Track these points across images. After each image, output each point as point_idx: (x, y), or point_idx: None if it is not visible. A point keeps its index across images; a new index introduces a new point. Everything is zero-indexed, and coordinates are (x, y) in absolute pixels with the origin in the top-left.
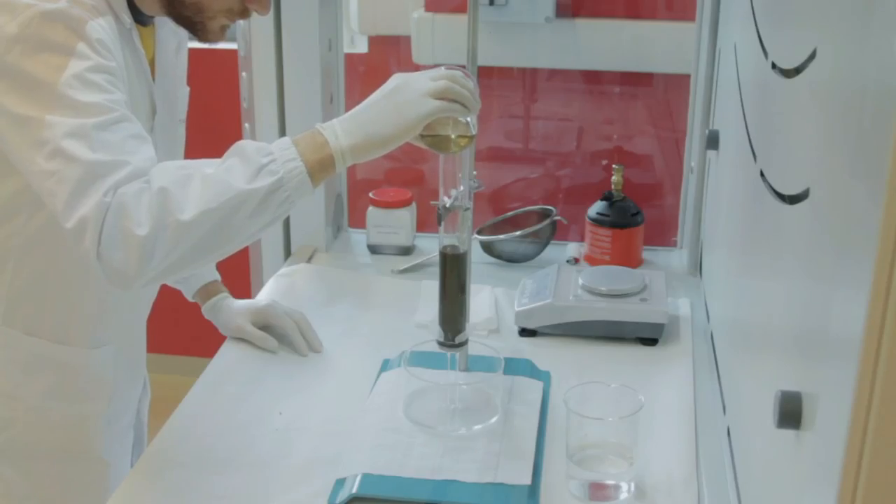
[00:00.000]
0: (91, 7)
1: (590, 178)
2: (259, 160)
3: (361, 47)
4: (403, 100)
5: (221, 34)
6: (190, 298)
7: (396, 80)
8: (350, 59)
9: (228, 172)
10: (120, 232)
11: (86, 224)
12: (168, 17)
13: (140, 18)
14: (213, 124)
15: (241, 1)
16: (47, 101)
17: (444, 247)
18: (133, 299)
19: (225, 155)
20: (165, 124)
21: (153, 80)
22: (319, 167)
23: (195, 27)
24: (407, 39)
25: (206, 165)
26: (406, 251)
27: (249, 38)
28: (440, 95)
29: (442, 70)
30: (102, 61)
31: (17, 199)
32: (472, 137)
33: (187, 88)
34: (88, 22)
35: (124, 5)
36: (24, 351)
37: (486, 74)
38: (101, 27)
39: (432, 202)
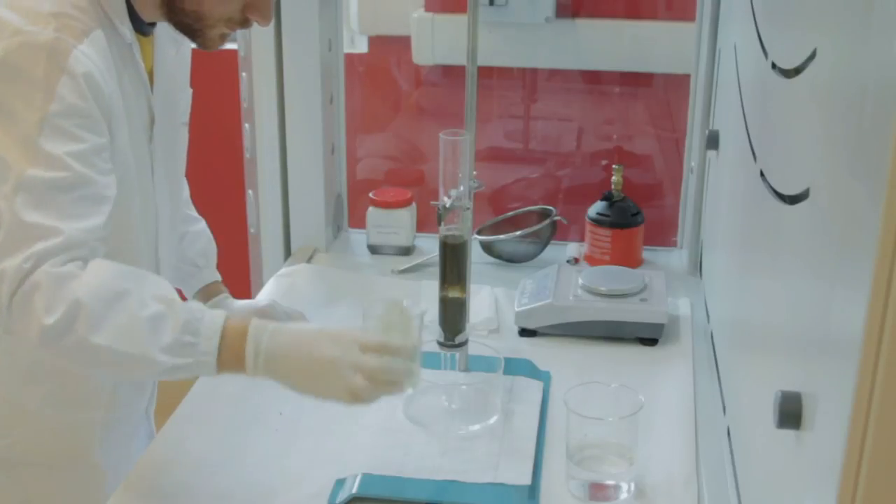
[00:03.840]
0: (84, 25)
1: (590, 178)
2: (183, 337)
3: (361, 47)
4: (330, 375)
5: (221, 42)
6: (190, 298)
7: (333, 347)
8: (350, 59)
9: (152, 327)
10: (28, 308)
11: (2, 276)
12: (168, 23)
13: (141, 28)
14: (213, 124)
15: (241, 11)
16: (12, 140)
17: (445, 236)
18: None
19: (158, 292)
20: (165, 131)
21: (151, 90)
22: (228, 369)
23: (195, 34)
24: (407, 39)
25: (136, 291)
26: (406, 251)
27: (249, 39)
28: (357, 395)
29: (376, 342)
30: (79, 103)
31: None
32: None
33: (190, 91)
34: (73, 52)
35: (125, 17)
36: (25, 358)
37: (486, 74)
38: (88, 57)
39: (432, 202)
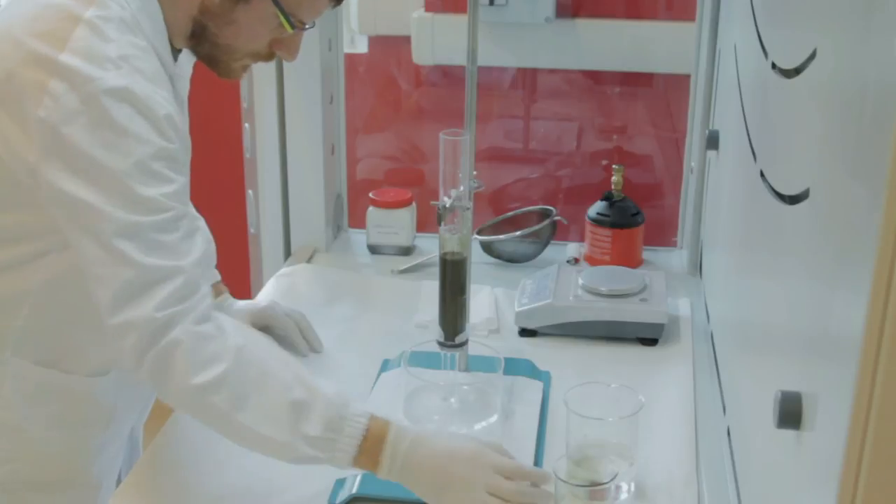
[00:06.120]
0: (148, 64)
1: (590, 178)
2: (326, 434)
3: (361, 47)
4: (464, 495)
5: (242, 73)
6: None
7: (466, 467)
8: (350, 59)
9: (297, 415)
10: (169, 367)
11: (130, 329)
12: (191, 52)
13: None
14: (213, 124)
15: (269, 45)
16: (104, 189)
17: (445, 252)
18: None
19: (300, 375)
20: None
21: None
22: (360, 468)
23: (219, 65)
24: (407, 39)
25: (280, 371)
26: (406, 251)
27: None
28: (507, 499)
29: (512, 466)
30: (165, 144)
31: (48, 236)
32: None
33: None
34: (149, 94)
35: (168, 48)
36: (31, 381)
37: (486, 74)
38: (163, 97)
39: (432, 202)
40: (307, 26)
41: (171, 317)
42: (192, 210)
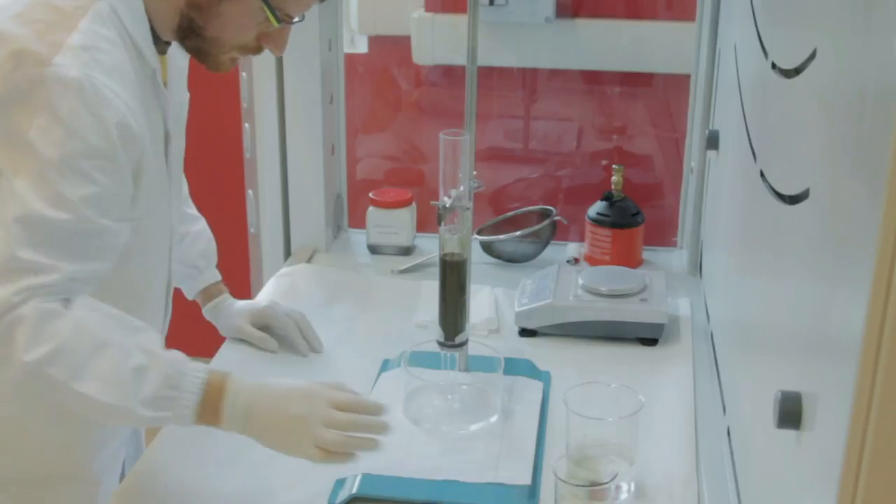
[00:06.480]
0: (112, 59)
1: (590, 178)
2: (164, 391)
3: (361, 47)
4: (301, 432)
5: (230, 65)
6: (190, 297)
7: (302, 404)
8: (350, 59)
9: (136, 379)
10: (8, 342)
11: None
12: (178, 44)
13: (159, 46)
14: (213, 124)
15: (257, 39)
16: (25, 172)
17: (445, 254)
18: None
19: (142, 343)
20: (176, 144)
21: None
22: (203, 423)
23: (206, 57)
24: (407, 39)
25: (120, 341)
26: (406, 251)
27: None
28: (329, 447)
29: (347, 399)
30: (103, 146)
31: None
32: None
33: (188, 94)
34: (103, 92)
35: (151, 43)
36: None
37: (486, 74)
38: (118, 96)
39: (432, 202)
40: (295, 20)
41: (25, 299)
42: (193, 211)
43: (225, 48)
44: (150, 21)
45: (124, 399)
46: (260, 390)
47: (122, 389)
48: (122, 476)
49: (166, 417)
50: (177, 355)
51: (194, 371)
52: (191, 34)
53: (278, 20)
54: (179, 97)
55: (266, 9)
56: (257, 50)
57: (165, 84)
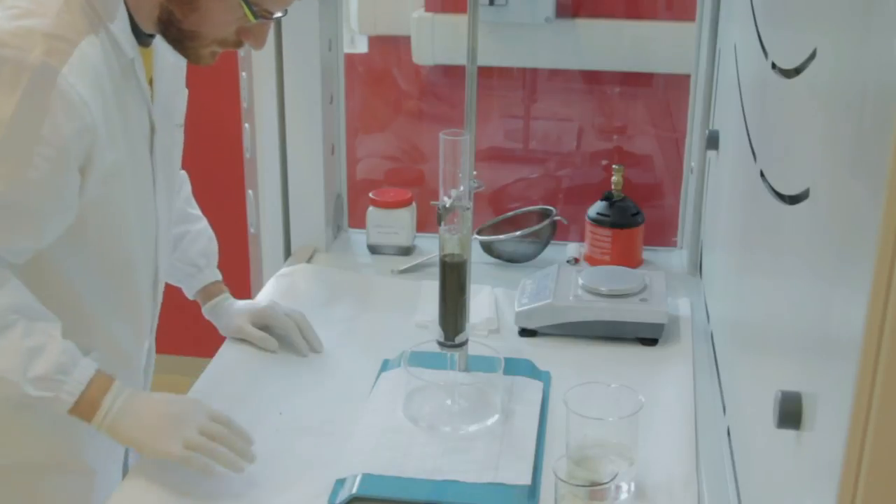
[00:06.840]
0: (76, 48)
1: (590, 178)
2: (54, 375)
3: (361, 47)
4: (171, 429)
5: (211, 59)
6: (190, 297)
7: (182, 408)
8: (350, 59)
9: (29, 357)
10: None
11: None
12: (160, 36)
13: (141, 39)
14: (213, 124)
15: (237, 33)
16: None
17: (445, 254)
18: (132, 308)
19: (46, 329)
20: (164, 137)
21: (152, 100)
22: (77, 414)
23: (186, 50)
24: (407, 39)
25: (25, 323)
26: (406, 251)
27: None
28: (195, 449)
29: (225, 416)
30: (48, 134)
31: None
32: None
33: (186, 91)
34: (58, 81)
35: (129, 33)
36: None
37: (486, 74)
38: (73, 87)
39: (432, 202)
40: (276, 16)
41: None
42: (196, 211)
43: (205, 42)
44: (130, 12)
45: (12, 373)
46: (143, 394)
47: (14, 364)
48: (126, 469)
49: (48, 399)
50: (72, 347)
51: (86, 364)
52: (170, 27)
53: (255, 16)
54: (169, 90)
55: (243, 4)
56: (238, 44)
57: (150, 76)
